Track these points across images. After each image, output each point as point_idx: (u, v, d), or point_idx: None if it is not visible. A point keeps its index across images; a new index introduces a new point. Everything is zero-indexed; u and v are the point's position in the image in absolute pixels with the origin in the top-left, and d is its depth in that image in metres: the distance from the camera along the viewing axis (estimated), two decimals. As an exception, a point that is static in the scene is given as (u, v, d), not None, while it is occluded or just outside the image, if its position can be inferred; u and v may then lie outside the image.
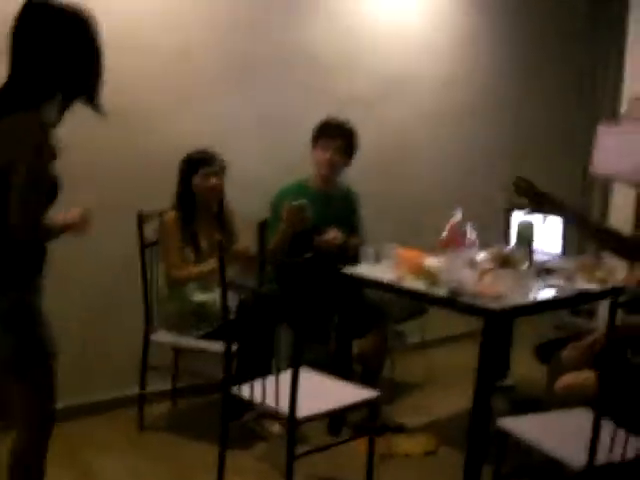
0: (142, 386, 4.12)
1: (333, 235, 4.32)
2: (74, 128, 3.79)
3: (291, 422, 3.07)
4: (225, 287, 3.26)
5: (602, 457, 2.78)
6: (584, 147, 6.05)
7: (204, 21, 4.40)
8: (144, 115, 4.22)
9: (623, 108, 5.02)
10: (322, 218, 4.36)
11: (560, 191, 6.16)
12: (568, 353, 3.64)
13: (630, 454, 2.83)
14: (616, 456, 2.80)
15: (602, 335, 3.37)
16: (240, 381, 3.33)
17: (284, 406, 3.07)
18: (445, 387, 4.83)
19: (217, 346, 3.78)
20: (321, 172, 4.43)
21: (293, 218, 4.17)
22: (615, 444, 2.78)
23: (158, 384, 4.32)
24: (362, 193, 4.74)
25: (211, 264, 3.95)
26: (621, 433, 2.80)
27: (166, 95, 4.31)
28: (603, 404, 2.77)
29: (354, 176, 4.66)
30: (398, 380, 4.86)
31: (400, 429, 4.25)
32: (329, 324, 4.22)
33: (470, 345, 3.96)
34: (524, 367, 4.75)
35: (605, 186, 5.92)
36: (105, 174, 4.12)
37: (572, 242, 5.46)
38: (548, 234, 4.61)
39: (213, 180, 4.12)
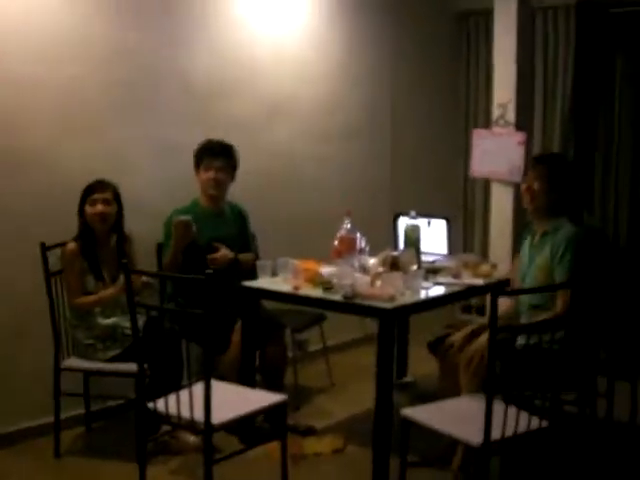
0: (57, 413, 4.18)
1: (222, 253, 4.52)
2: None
3: (208, 429, 3.24)
4: (134, 308, 3.42)
5: (497, 433, 3.05)
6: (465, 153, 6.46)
7: (94, 52, 4.51)
8: (34, 150, 4.31)
9: (494, 114, 5.36)
10: (215, 235, 4.59)
11: (445, 194, 6.63)
12: (452, 337, 3.99)
13: (522, 429, 3.12)
14: (509, 431, 3.08)
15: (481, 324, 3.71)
16: (153, 397, 3.47)
17: (199, 415, 3.24)
18: (347, 389, 5.07)
19: (127, 367, 3.95)
20: (208, 192, 4.63)
21: (179, 232, 4.38)
22: (507, 421, 3.05)
23: (71, 410, 4.41)
24: (254, 212, 4.95)
25: (109, 291, 4.17)
26: (512, 410, 3.08)
27: (54, 129, 4.39)
28: (493, 386, 3.04)
29: (245, 196, 4.88)
30: (302, 386, 5.07)
31: (311, 431, 4.46)
32: (228, 335, 4.40)
33: (369, 348, 4.20)
34: (422, 365, 5.02)
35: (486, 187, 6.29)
36: (5, 207, 4.23)
37: (457, 243, 5.84)
38: (434, 236, 4.91)
39: (99, 207, 4.22)
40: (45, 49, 4.32)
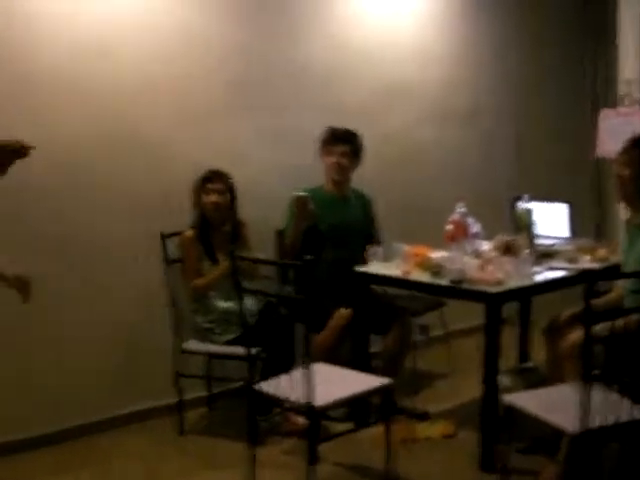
0: (179, 393, 4.40)
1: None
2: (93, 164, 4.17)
3: (310, 411, 3.33)
4: (240, 292, 3.54)
5: (596, 421, 2.99)
6: (584, 135, 6.29)
7: (206, 47, 4.66)
8: (151, 143, 4.49)
9: (620, 91, 5.21)
10: (338, 220, 4.68)
11: (572, 177, 6.44)
12: (557, 321, 3.90)
13: (624, 418, 3.03)
14: (610, 420, 3.01)
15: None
16: (267, 379, 3.62)
17: (303, 397, 3.33)
18: (466, 375, 5.02)
19: (242, 350, 4.07)
20: (332, 177, 4.73)
21: (297, 209, 4.49)
22: (609, 409, 2.98)
23: (194, 392, 4.62)
24: (371, 196, 5.00)
25: (221, 267, 4.30)
26: (614, 398, 3.00)
27: (169, 123, 4.56)
28: (589, 371, 2.98)
29: (360, 181, 4.92)
30: (423, 371, 5.12)
31: (425, 416, 4.49)
32: (325, 319, 4.44)
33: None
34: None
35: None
36: (125, 199, 4.44)
37: (586, 227, 5.66)
38: (555, 220, 4.83)
39: (213, 197, 4.39)
40: (156, 45, 4.47)
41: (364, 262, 4.41)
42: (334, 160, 4.67)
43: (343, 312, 4.41)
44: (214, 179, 4.41)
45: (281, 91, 5.00)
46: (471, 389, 4.62)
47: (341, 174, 4.73)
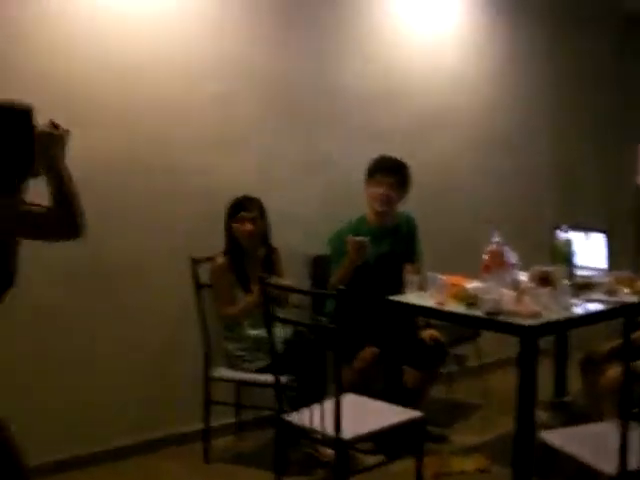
0: (206, 420, 4.34)
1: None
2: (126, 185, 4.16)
3: (338, 443, 3.26)
4: (270, 320, 3.49)
5: (635, 463, 2.89)
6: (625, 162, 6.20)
7: (240, 70, 4.65)
8: (183, 167, 4.48)
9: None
10: (379, 252, 4.56)
11: (610, 206, 6.32)
12: (594, 355, 3.78)
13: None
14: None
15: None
16: (297, 409, 3.55)
17: (331, 429, 3.26)
18: (502, 408, 4.92)
19: (272, 378, 4.01)
20: (376, 208, 4.58)
21: (356, 251, 4.35)
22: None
23: (222, 418, 4.56)
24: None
25: (252, 297, 4.23)
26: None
27: (211, 142, 4.56)
28: (628, 409, 2.89)
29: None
30: (456, 402, 5.04)
31: (442, 439, 4.45)
32: (357, 350, 4.38)
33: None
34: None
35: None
36: (157, 222, 4.42)
37: (624, 258, 5.53)
38: (592, 250, 4.72)
39: (247, 225, 4.34)
40: (189, 67, 4.47)
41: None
42: (381, 192, 4.53)
43: (372, 349, 4.36)
44: (247, 206, 4.36)
45: (318, 115, 4.99)
46: (506, 422, 4.51)
47: (386, 206, 4.58)
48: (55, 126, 2.63)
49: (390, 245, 4.63)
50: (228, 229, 4.39)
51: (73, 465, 4.16)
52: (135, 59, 4.27)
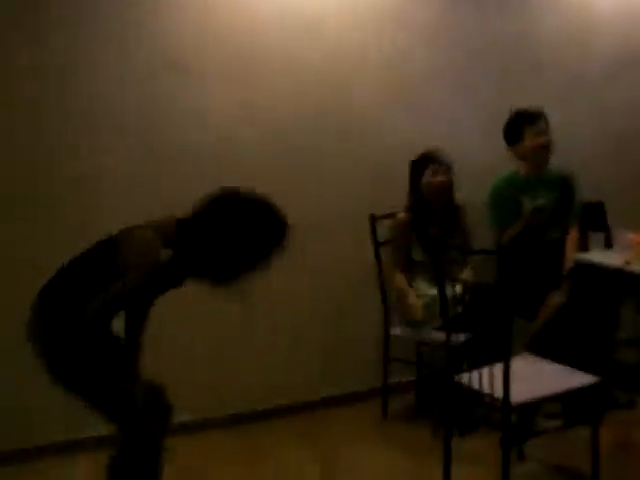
0: (385, 378, 4.37)
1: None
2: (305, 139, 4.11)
3: (506, 407, 3.17)
4: (442, 283, 3.42)
5: None
6: None
7: (416, 20, 4.58)
8: (360, 121, 4.48)
9: None
10: (540, 204, 4.34)
11: None
12: None
13: None
14: None
15: None
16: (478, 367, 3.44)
17: (500, 392, 3.17)
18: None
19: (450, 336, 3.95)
20: (539, 161, 4.38)
21: (533, 220, 4.25)
22: None
23: (402, 376, 4.56)
24: (599, 174, 4.77)
25: (409, 296, 4.19)
26: None
27: (378, 101, 4.52)
28: None
29: (579, 162, 4.67)
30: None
31: (631, 404, 4.23)
32: (540, 303, 4.22)
33: None
34: None
35: None
36: (339, 181, 4.46)
37: None
38: None
39: (441, 177, 4.26)
40: (369, 22, 4.46)
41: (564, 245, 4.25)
42: (542, 141, 4.31)
43: (556, 298, 4.17)
44: (437, 158, 4.27)
45: (496, 66, 4.81)
46: None
47: (548, 155, 4.37)
48: None
49: (541, 198, 4.38)
50: (414, 184, 4.31)
51: (248, 419, 4.34)
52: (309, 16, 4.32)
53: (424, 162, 4.29)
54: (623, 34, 5.12)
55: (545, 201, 4.29)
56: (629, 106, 5.20)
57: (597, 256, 4.03)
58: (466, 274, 4.18)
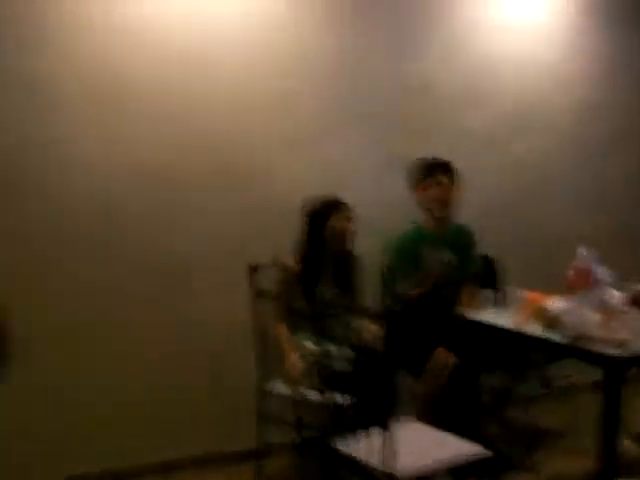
0: (259, 438, 4.03)
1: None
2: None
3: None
4: (320, 338, 3.23)
5: None
6: None
7: (306, 67, 4.42)
8: (249, 165, 4.30)
9: None
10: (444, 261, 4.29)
11: None
12: None
13: None
14: None
15: None
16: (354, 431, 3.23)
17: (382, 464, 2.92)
18: (588, 434, 4.51)
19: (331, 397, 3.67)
20: (438, 212, 4.26)
21: (443, 274, 4.18)
22: None
23: (278, 437, 4.21)
24: (489, 232, 4.59)
25: (289, 357, 3.94)
26: None
27: (271, 143, 4.35)
28: None
29: (480, 214, 4.60)
30: (540, 426, 4.69)
31: (527, 468, 4.16)
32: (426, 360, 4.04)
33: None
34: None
35: None
36: (220, 227, 4.25)
37: None
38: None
39: (347, 223, 4.07)
40: (255, 64, 4.28)
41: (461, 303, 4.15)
42: (440, 193, 4.21)
43: (443, 354, 3.99)
44: (342, 206, 4.08)
45: (392, 111, 4.67)
46: (590, 450, 4.10)
47: (447, 210, 4.27)
48: None
49: (445, 255, 4.29)
50: (313, 231, 4.08)
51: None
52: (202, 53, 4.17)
53: (331, 207, 4.08)
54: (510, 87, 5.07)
55: (450, 256, 4.20)
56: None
57: (487, 315, 3.84)
58: (373, 329, 3.92)
